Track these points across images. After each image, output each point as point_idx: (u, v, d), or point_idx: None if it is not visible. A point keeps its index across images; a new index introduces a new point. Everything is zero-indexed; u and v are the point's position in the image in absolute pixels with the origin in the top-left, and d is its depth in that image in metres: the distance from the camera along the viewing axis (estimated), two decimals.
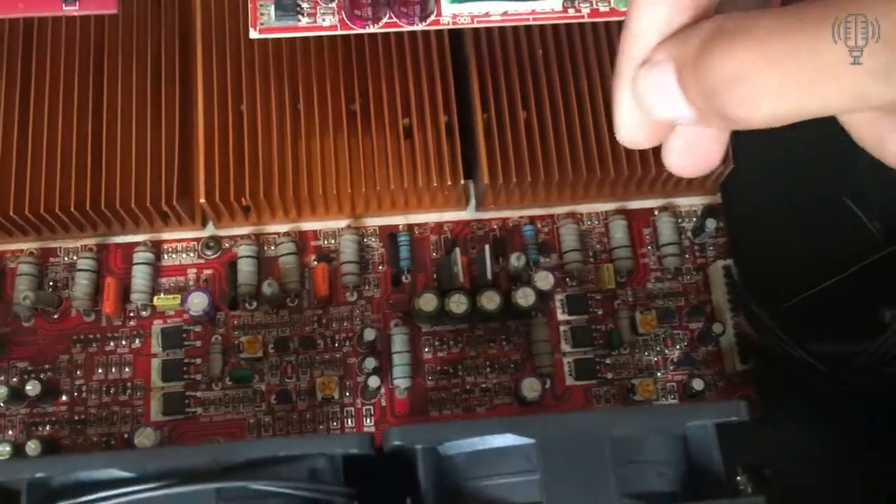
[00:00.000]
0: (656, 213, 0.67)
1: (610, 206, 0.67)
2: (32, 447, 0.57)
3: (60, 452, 0.59)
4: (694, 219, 0.67)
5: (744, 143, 0.66)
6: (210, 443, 0.44)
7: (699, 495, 0.45)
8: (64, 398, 0.61)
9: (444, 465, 0.46)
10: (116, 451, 0.43)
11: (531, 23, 0.59)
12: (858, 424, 0.62)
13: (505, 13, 0.59)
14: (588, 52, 0.65)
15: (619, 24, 0.63)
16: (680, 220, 0.67)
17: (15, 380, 0.60)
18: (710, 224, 0.65)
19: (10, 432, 0.60)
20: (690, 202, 0.68)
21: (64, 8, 0.58)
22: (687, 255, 0.66)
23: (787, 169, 0.68)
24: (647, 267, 0.66)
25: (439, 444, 0.46)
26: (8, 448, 0.57)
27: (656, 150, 0.62)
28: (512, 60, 0.65)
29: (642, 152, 0.63)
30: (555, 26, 0.64)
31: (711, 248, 0.67)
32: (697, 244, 0.67)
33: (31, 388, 0.58)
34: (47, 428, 0.60)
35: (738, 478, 0.45)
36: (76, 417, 0.60)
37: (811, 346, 0.60)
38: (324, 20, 0.59)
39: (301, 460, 0.45)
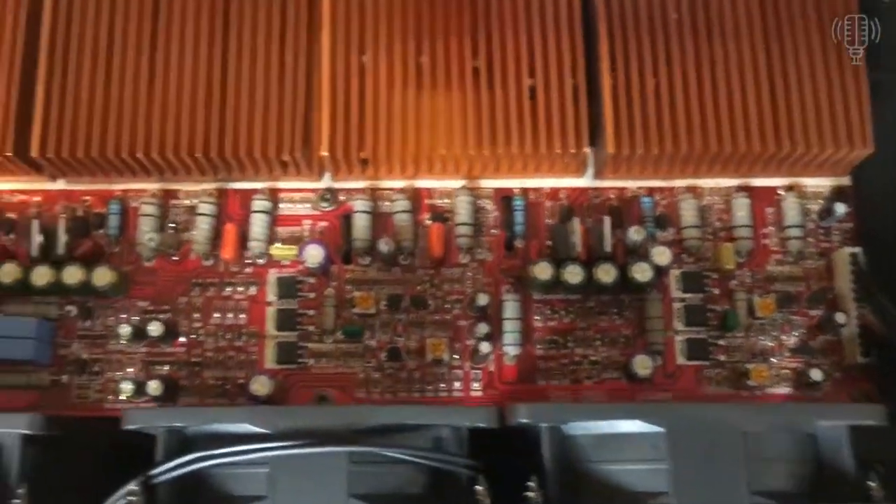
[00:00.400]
0: (781, 192, 0.65)
1: (733, 182, 0.65)
2: (154, 387, 0.59)
3: (179, 393, 0.61)
4: (821, 200, 0.65)
5: (887, 126, 0.63)
6: (342, 406, 0.44)
7: (829, 497, 0.44)
8: (182, 339, 0.62)
9: (567, 444, 0.46)
10: (252, 406, 0.43)
11: None
12: None
13: None
14: (725, 20, 0.62)
15: None
16: (805, 202, 0.65)
17: (136, 318, 0.62)
18: (840, 209, 0.62)
19: (131, 370, 0.61)
20: (818, 183, 0.65)
21: None
22: (811, 239, 0.64)
23: None
24: (768, 248, 0.64)
25: (564, 423, 0.46)
26: (130, 386, 0.59)
27: (791, 128, 0.60)
28: (643, 23, 0.62)
29: (777, 129, 0.60)
30: None
31: (837, 232, 0.64)
32: (823, 228, 0.64)
33: (154, 328, 0.60)
34: (165, 368, 0.61)
35: (871, 483, 0.44)
36: (193, 359, 0.62)
37: None
38: None
39: (427, 429, 0.45)
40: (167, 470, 0.44)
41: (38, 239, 0.60)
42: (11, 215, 0.63)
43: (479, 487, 0.44)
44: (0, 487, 0.45)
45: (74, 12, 0.61)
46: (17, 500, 0.44)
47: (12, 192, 0.64)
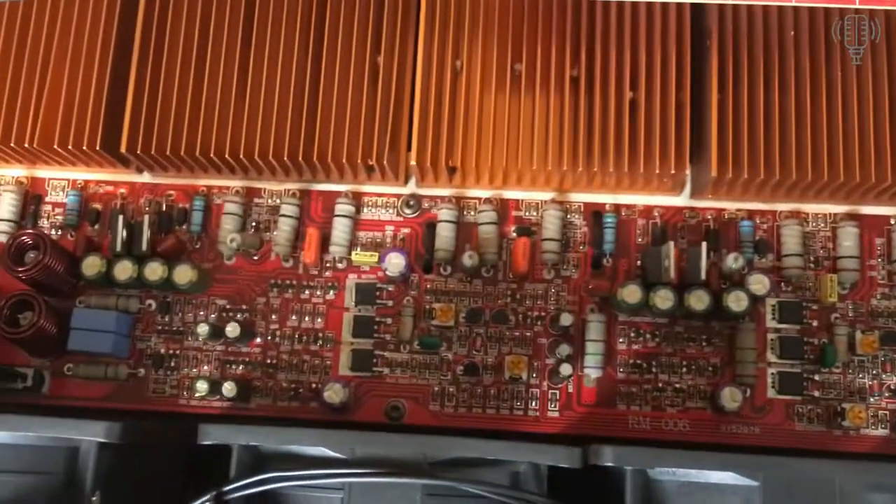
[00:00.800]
0: (893, 221, 0.61)
1: (840, 208, 0.61)
2: (228, 388, 0.58)
3: (252, 394, 0.60)
4: None
5: None
6: (420, 435, 0.43)
7: None
8: (258, 340, 0.61)
9: (652, 488, 0.44)
10: (328, 430, 0.42)
11: (789, 4, 0.53)
12: None
13: None
14: (849, 37, 0.58)
15: (886, 14, 0.57)
16: None
17: (213, 316, 0.62)
18: None
19: (206, 367, 0.61)
20: None
21: None
22: None
23: None
24: (875, 281, 0.60)
25: (651, 468, 0.43)
26: (205, 386, 0.59)
27: None
28: (757, 38, 0.59)
29: (893, 159, 0.57)
30: (814, 9, 0.58)
31: None
32: None
33: (231, 329, 0.59)
34: (240, 368, 0.61)
35: None
36: (268, 361, 0.61)
37: None
38: None
39: (506, 464, 0.43)
40: (241, 486, 0.43)
41: (122, 234, 0.60)
42: (97, 206, 0.64)
43: None
44: (76, 493, 0.45)
45: (169, 11, 0.61)
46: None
47: (98, 182, 0.64)
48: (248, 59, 0.60)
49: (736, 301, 0.57)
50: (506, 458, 0.43)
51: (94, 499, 0.43)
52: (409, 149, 0.60)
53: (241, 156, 0.59)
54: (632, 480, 0.43)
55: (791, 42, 0.58)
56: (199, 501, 0.43)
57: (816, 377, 0.59)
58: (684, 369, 0.60)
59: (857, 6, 0.53)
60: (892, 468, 0.43)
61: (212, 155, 0.59)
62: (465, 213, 0.63)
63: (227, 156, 0.59)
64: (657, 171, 0.58)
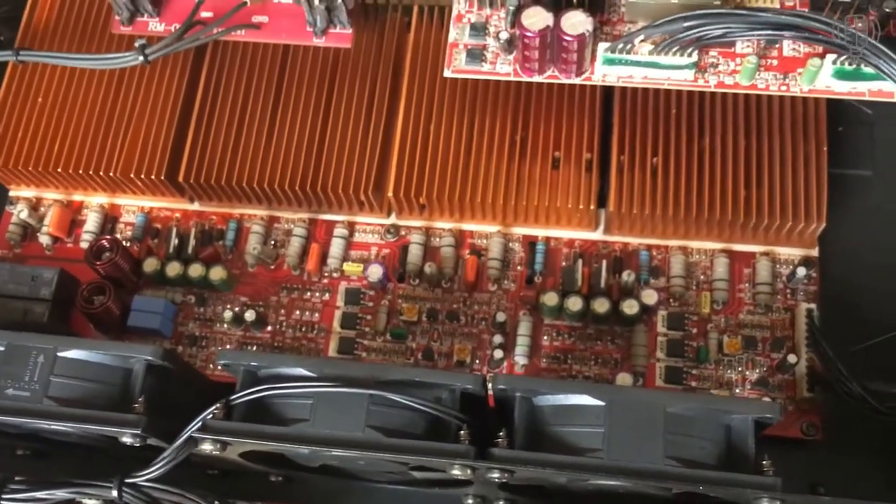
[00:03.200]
0: (757, 256, 0.79)
1: (717, 245, 0.79)
2: None
3: None
4: (790, 266, 0.78)
5: (842, 205, 0.77)
6: (369, 363, 0.61)
7: (729, 469, 0.57)
8: (269, 328, 0.81)
9: (535, 412, 0.61)
10: (306, 356, 0.60)
11: (666, 87, 0.74)
12: None
13: (645, 77, 0.73)
14: (715, 116, 0.78)
15: (741, 97, 0.77)
16: (777, 266, 0.78)
17: (237, 309, 0.81)
18: (801, 272, 0.76)
19: (228, 346, 0.80)
20: (790, 252, 0.79)
21: (314, 40, 0.78)
22: (779, 296, 0.78)
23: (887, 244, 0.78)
24: (742, 301, 0.78)
25: (534, 395, 0.61)
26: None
27: (759, 200, 0.75)
28: (650, 115, 0.79)
29: (747, 199, 0.75)
30: (687, 93, 0.78)
31: (802, 293, 0.78)
32: (790, 288, 0.78)
33: (249, 315, 0.79)
34: (254, 348, 0.80)
35: (765, 462, 0.57)
36: (275, 344, 0.80)
37: (875, 385, 0.70)
38: (501, 68, 0.75)
39: (431, 388, 0.61)
40: (242, 395, 0.61)
41: (174, 241, 0.81)
42: (157, 226, 0.85)
43: (463, 432, 0.60)
44: (126, 398, 0.63)
45: (224, 72, 0.83)
46: (137, 405, 0.62)
47: (160, 209, 0.85)
48: (276, 114, 0.82)
49: (629, 307, 0.75)
50: (429, 381, 0.60)
51: (140, 400, 0.62)
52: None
53: (266, 185, 0.80)
54: (519, 404, 0.61)
55: (674, 117, 0.79)
56: (213, 407, 0.61)
57: (694, 371, 0.76)
58: (592, 361, 0.77)
59: (712, 89, 0.73)
60: (705, 397, 0.58)
61: (244, 184, 0.80)
62: (432, 239, 0.82)
63: (254, 185, 0.80)
64: (571, 207, 0.77)
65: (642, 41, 0.71)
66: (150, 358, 0.63)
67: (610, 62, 0.73)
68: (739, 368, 0.76)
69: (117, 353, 0.64)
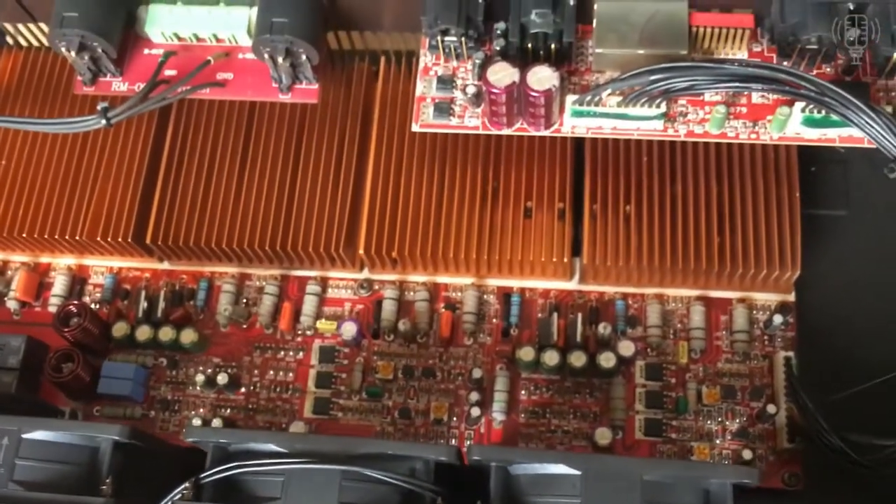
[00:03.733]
0: (734, 303, 0.78)
1: (693, 292, 0.79)
2: (216, 423, 0.76)
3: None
4: (767, 313, 0.78)
5: (817, 246, 0.76)
6: (342, 436, 0.59)
7: None
8: (243, 390, 0.79)
9: (511, 482, 0.60)
10: (277, 432, 0.59)
11: (636, 137, 0.73)
12: None
13: (614, 128, 0.73)
14: (686, 163, 0.78)
15: (712, 145, 0.76)
16: (755, 312, 0.78)
17: (209, 371, 0.80)
18: (777, 319, 0.75)
19: (202, 410, 0.79)
20: (766, 297, 0.78)
21: (280, 97, 0.77)
22: (756, 343, 0.77)
23: (865, 289, 0.78)
24: (720, 349, 0.77)
25: (510, 464, 0.60)
26: (199, 422, 0.77)
27: (733, 248, 0.74)
28: (621, 163, 0.78)
29: (721, 246, 0.75)
30: (658, 141, 0.77)
31: (780, 339, 0.77)
32: (767, 335, 0.77)
33: (221, 378, 0.77)
34: (228, 411, 0.79)
35: None
36: (250, 406, 0.79)
37: (855, 436, 0.69)
38: (470, 121, 0.75)
39: (404, 460, 0.60)
40: (212, 473, 0.60)
41: (142, 304, 0.79)
42: (126, 286, 0.83)
43: None
44: (94, 479, 0.62)
45: (190, 131, 0.82)
46: (105, 487, 0.61)
47: (129, 269, 0.84)
48: (244, 173, 0.81)
49: (606, 360, 0.74)
50: (402, 454, 0.59)
51: (107, 481, 0.61)
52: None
53: (235, 245, 0.79)
54: (495, 474, 0.60)
55: (646, 165, 0.78)
56: (181, 488, 0.60)
57: (674, 422, 0.75)
58: (571, 415, 0.76)
59: (683, 139, 0.72)
60: (682, 464, 0.58)
61: (213, 245, 0.79)
62: (406, 293, 0.81)
63: (224, 245, 0.79)
64: (544, 259, 0.76)
65: (610, 94, 0.70)
66: (116, 438, 0.62)
67: (578, 114, 0.72)
68: (719, 419, 0.75)
69: (83, 433, 0.62)
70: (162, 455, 0.69)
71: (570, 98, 0.72)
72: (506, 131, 0.74)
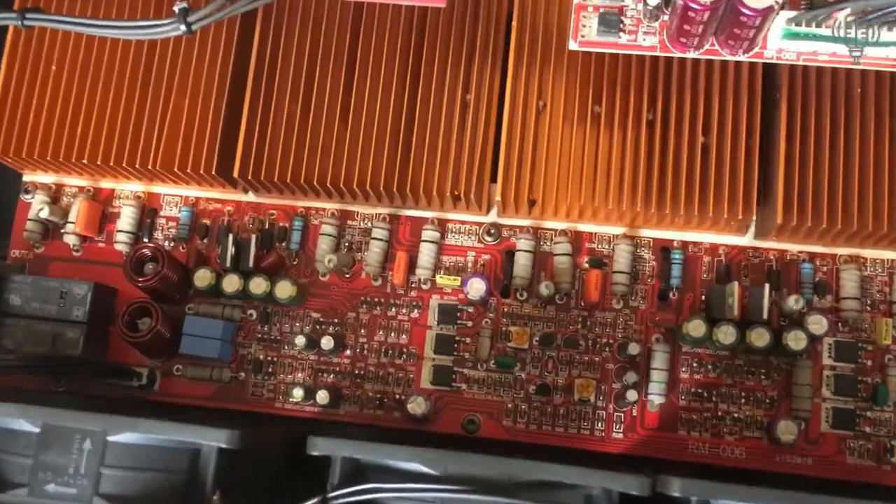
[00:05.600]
0: None
1: None
2: (322, 396, 0.64)
3: (342, 402, 0.66)
4: None
5: None
6: (505, 458, 0.48)
7: None
8: (347, 352, 0.67)
9: None
10: (425, 448, 0.48)
11: (859, 67, 0.57)
12: None
13: (833, 54, 0.57)
14: None
15: None
16: None
17: (307, 328, 0.68)
18: None
19: (300, 375, 0.67)
20: None
21: None
22: None
23: None
24: None
25: (714, 499, 0.48)
26: (301, 392, 0.65)
27: None
28: (826, 97, 0.62)
29: None
30: (881, 73, 0.61)
31: None
32: None
33: (326, 342, 0.65)
34: (331, 377, 0.67)
35: None
36: (356, 372, 0.67)
37: None
38: (644, 40, 0.59)
39: (581, 488, 0.48)
40: (345, 494, 0.49)
41: (231, 250, 0.66)
42: (206, 221, 0.70)
43: None
44: (195, 489, 0.51)
45: (280, 47, 0.66)
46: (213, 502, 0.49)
47: (208, 200, 0.70)
48: (350, 95, 0.65)
49: (795, 340, 0.61)
50: (581, 483, 0.47)
51: (214, 498, 0.49)
52: (493, 181, 0.65)
53: (340, 184, 0.64)
54: None
55: (857, 99, 0.62)
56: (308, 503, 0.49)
57: (868, 414, 0.63)
58: (743, 400, 0.64)
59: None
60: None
61: (315, 182, 0.64)
62: (541, 243, 0.67)
63: (327, 184, 0.64)
64: (725, 216, 0.62)
65: (847, 13, 0.54)
66: (222, 445, 0.50)
67: (792, 36, 0.56)
68: None
69: (181, 439, 0.51)
70: (269, 448, 0.58)
71: (786, 15, 0.56)
72: (691, 54, 0.58)
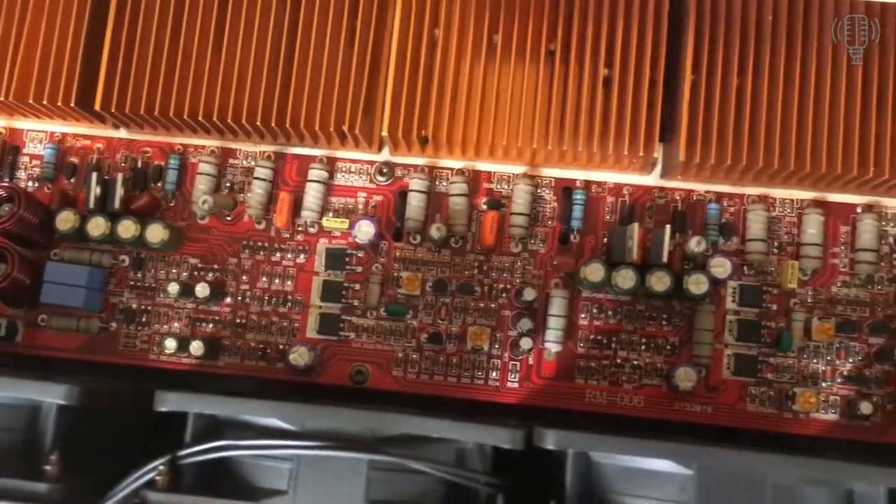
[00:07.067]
0: (858, 211, 0.61)
1: (807, 195, 0.62)
2: (196, 347, 0.60)
3: (221, 353, 0.62)
4: None
5: None
6: (367, 410, 0.44)
7: None
8: (228, 300, 0.63)
9: (592, 471, 0.46)
10: (281, 402, 0.44)
11: None
12: None
13: None
14: (825, 28, 0.58)
15: (860, 5, 0.56)
16: (884, 224, 0.61)
17: (185, 275, 0.63)
18: None
19: (177, 324, 0.62)
20: None
21: None
22: (883, 264, 0.61)
23: None
24: (836, 269, 0.61)
25: (590, 451, 0.45)
26: (174, 343, 0.61)
27: (879, 152, 0.56)
28: (735, 23, 0.59)
29: (863, 152, 0.57)
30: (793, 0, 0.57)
31: None
32: None
33: (200, 290, 0.61)
34: (210, 326, 0.62)
35: None
36: (238, 321, 0.62)
37: None
38: None
39: (451, 443, 0.45)
40: (194, 453, 0.45)
41: (95, 190, 0.61)
42: (74, 160, 0.64)
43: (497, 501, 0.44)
44: (34, 449, 0.46)
45: None
46: (49, 468, 0.45)
47: (76, 136, 0.65)
48: (225, 19, 0.60)
49: (696, 284, 0.58)
50: (450, 437, 0.44)
51: (52, 458, 0.45)
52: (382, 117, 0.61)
53: (214, 118, 0.59)
54: (573, 462, 0.45)
55: (768, 28, 0.58)
56: (153, 464, 0.45)
57: (771, 360, 0.60)
58: (643, 347, 0.61)
59: None
60: (823, 464, 0.44)
61: (185, 116, 0.59)
62: (437, 182, 0.63)
63: (200, 117, 0.59)
64: (625, 152, 0.58)
65: None
66: (61, 402, 0.46)
67: None
68: (829, 357, 0.60)
69: (16, 395, 0.46)
70: (123, 404, 0.53)
71: None
72: None
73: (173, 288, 0.61)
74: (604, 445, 0.44)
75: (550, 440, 0.44)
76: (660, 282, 0.58)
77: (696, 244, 0.58)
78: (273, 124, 0.59)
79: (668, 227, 0.58)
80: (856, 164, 0.57)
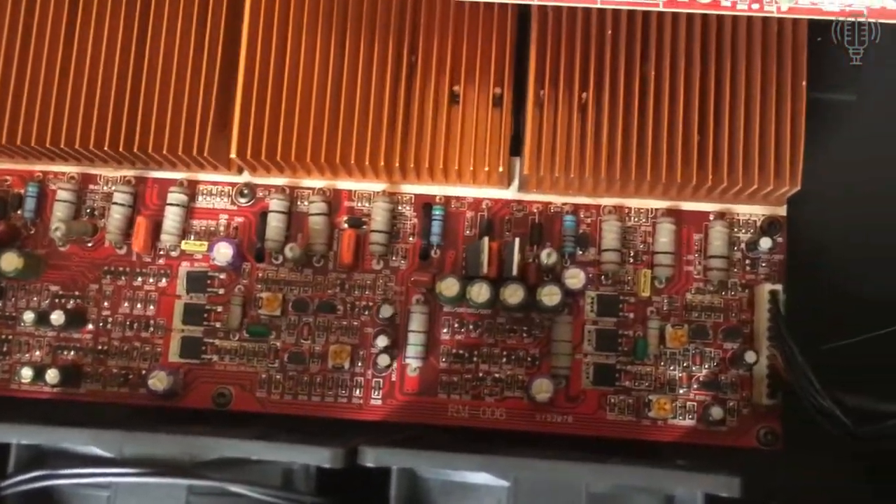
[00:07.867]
0: (711, 218, 0.62)
1: (662, 204, 0.62)
2: (52, 375, 0.60)
3: (82, 380, 0.61)
4: (752, 231, 0.62)
5: (820, 165, 0.60)
6: (187, 434, 0.44)
7: None
8: (90, 327, 0.62)
9: (418, 487, 0.46)
10: (98, 429, 0.43)
11: (602, 6, 0.54)
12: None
13: None
14: (662, 39, 0.59)
15: (696, 17, 0.58)
16: (735, 230, 0.62)
17: (46, 302, 0.62)
18: (765, 244, 0.60)
19: (38, 353, 0.62)
20: (751, 211, 0.62)
21: None
22: (736, 269, 0.62)
23: (870, 199, 0.62)
24: (690, 276, 0.62)
25: (415, 467, 0.45)
26: (30, 373, 0.60)
27: (717, 155, 0.58)
28: (577, 38, 0.59)
29: (701, 158, 0.58)
30: (629, 12, 0.58)
31: (764, 264, 0.62)
32: (750, 258, 0.62)
33: (56, 317, 0.60)
34: (71, 353, 0.62)
35: None
36: (99, 347, 0.62)
37: (841, 395, 0.55)
38: None
39: (276, 464, 0.45)
40: (14, 483, 0.44)
41: None
42: None
43: None
44: None
45: None
46: None
47: None
48: (73, 47, 0.60)
49: (549, 296, 0.59)
50: (269, 459, 0.44)
51: None
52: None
53: (67, 147, 0.59)
54: (397, 478, 0.45)
55: (609, 40, 0.59)
56: None
57: (629, 369, 0.61)
58: (504, 359, 0.62)
59: (661, 9, 0.53)
60: (636, 470, 0.44)
61: (33, 144, 0.59)
62: (298, 202, 0.63)
63: (48, 145, 0.59)
64: (472, 168, 0.59)
65: None
66: None
67: None
68: (685, 363, 0.61)
69: None
70: None
71: None
72: None
73: (28, 316, 0.61)
74: (420, 461, 0.44)
75: (370, 458, 0.44)
76: (514, 294, 0.59)
77: (546, 256, 0.59)
78: (122, 150, 0.59)
79: (517, 240, 0.59)
80: (695, 172, 0.58)
